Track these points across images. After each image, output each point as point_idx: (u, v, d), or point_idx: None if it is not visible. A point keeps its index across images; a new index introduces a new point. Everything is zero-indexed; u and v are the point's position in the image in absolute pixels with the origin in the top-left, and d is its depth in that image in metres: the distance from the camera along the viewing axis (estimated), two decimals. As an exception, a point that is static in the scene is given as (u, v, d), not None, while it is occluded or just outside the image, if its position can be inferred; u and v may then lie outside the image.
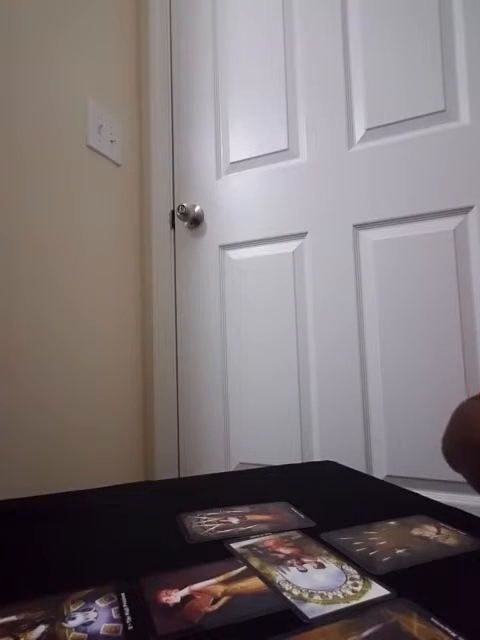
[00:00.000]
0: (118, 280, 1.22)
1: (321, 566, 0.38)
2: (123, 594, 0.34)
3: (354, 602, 0.33)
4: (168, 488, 0.69)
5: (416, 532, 0.46)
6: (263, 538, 0.44)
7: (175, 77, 1.38)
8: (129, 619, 0.31)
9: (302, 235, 1.18)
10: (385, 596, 0.34)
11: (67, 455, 1.01)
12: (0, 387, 0.88)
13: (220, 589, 0.35)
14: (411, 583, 0.36)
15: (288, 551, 0.41)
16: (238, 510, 0.53)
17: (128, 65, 1.31)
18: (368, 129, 1.12)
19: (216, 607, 0.32)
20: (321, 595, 0.34)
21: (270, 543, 0.43)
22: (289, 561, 0.39)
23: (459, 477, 0.96)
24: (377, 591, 0.34)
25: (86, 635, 0.29)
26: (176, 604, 0.33)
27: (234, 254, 1.27)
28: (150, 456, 1.26)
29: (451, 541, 0.43)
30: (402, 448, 1.04)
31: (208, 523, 0.49)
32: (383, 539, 0.44)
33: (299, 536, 0.45)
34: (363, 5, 1.13)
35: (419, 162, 1.06)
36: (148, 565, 0.39)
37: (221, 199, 1.29)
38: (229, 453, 1.23)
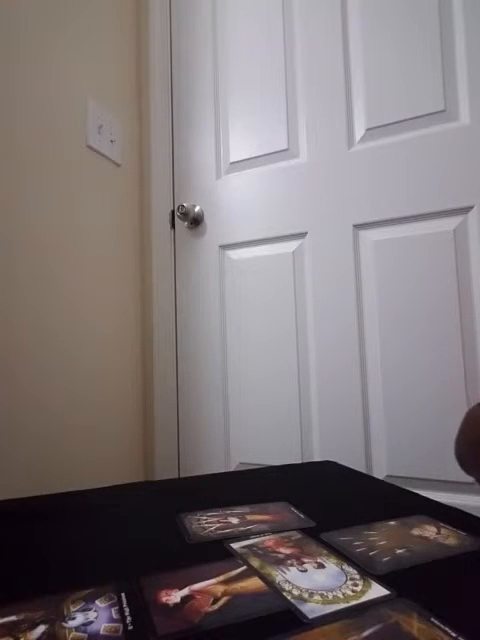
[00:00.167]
0: (118, 280, 1.22)
1: (321, 566, 0.38)
2: (123, 594, 0.34)
3: (354, 602, 0.33)
4: (168, 488, 0.69)
5: (416, 532, 0.46)
6: (263, 538, 0.44)
7: (175, 77, 1.38)
8: (129, 619, 0.31)
9: (302, 235, 1.18)
10: (385, 596, 0.34)
11: (67, 455, 1.01)
12: (0, 387, 0.88)
13: (220, 589, 0.35)
14: (411, 583, 0.36)
15: (288, 551, 0.41)
16: (238, 510, 0.53)
17: (128, 65, 1.31)
18: (368, 129, 1.12)
19: (216, 607, 0.32)
20: (321, 595, 0.34)
21: (270, 543, 0.43)
22: (289, 561, 0.39)
23: (459, 477, 0.96)
24: (377, 591, 0.34)
25: (86, 635, 0.29)
26: (176, 604, 0.33)
27: (234, 254, 1.27)
28: (150, 456, 1.26)
29: (451, 541, 0.43)
30: (402, 448, 1.04)
31: (208, 523, 0.49)
32: (383, 539, 0.44)
33: (299, 536, 0.45)
34: (363, 5, 1.13)
35: (419, 162, 1.06)
36: (148, 565, 0.39)
37: (221, 199, 1.29)
38: (229, 453, 1.23)
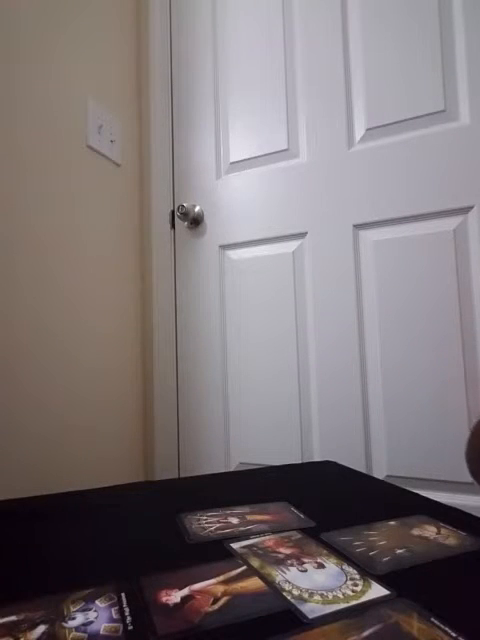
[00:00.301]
0: (118, 280, 1.22)
1: (321, 566, 0.38)
2: (123, 594, 0.34)
3: (354, 602, 0.33)
4: (168, 488, 0.69)
5: (416, 532, 0.46)
6: (263, 538, 0.44)
7: (175, 77, 1.38)
8: (129, 619, 0.31)
9: (302, 235, 1.18)
10: (385, 596, 0.34)
11: (67, 455, 1.01)
12: (0, 387, 0.88)
13: (220, 589, 0.35)
14: (411, 583, 0.36)
15: (288, 551, 0.41)
16: (238, 510, 0.53)
17: (128, 65, 1.31)
18: (368, 129, 1.12)
19: (216, 607, 0.32)
20: (321, 595, 0.34)
21: (270, 543, 0.43)
22: (289, 561, 0.39)
23: (459, 477, 0.96)
24: (377, 591, 0.34)
25: (86, 635, 0.29)
26: (176, 604, 0.33)
27: (234, 254, 1.27)
28: (150, 456, 1.26)
29: (451, 541, 0.43)
30: (402, 448, 1.04)
31: (208, 523, 0.49)
32: (383, 539, 0.44)
33: (299, 536, 0.45)
34: (363, 5, 1.13)
35: (419, 162, 1.06)
36: (148, 565, 0.39)
37: (221, 199, 1.29)
38: (229, 453, 1.23)
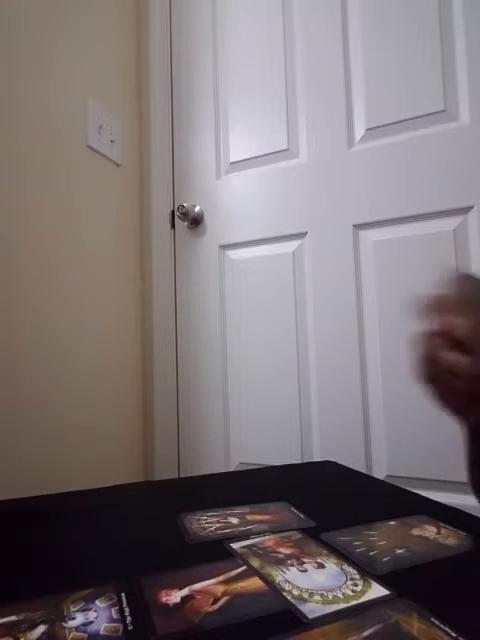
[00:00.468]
0: (118, 280, 1.22)
1: (321, 566, 0.38)
2: (123, 594, 0.34)
3: (354, 602, 0.33)
4: (168, 488, 0.69)
5: (416, 532, 0.46)
6: (263, 538, 0.44)
7: (175, 77, 1.38)
8: (129, 619, 0.31)
9: (302, 235, 1.18)
10: (385, 596, 0.34)
11: (67, 455, 1.01)
12: (2, 386, 0.88)
13: (220, 589, 0.35)
14: (411, 583, 0.36)
15: (288, 551, 0.41)
16: (238, 510, 0.53)
17: (128, 65, 1.31)
18: (368, 129, 1.12)
19: (216, 607, 0.32)
20: (321, 595, 0.34)
21: (270, 543, 0.43)
22: (289, 561, 0.39)
23: (459, 477, 0.96)
24: (377, 591, 0.34)
25: (86, 635, 0.29)
26: (176, 604, 0.33)
27: (234, 254, 1.27)
28: (150, 456, 1.26)
29: (451, 541, 0.43)
30: (402, 448, 1.04)
31: (208, 523, 0.49)
32: (383, 539, 0.44)
33: (299, 536, 0.45)
34: (363, 5, 1.13)
35: (419, 162, 1.06)
36: (148, 565, 0.39)
37: (221, 199, 1.29)
38: (229, 453, 1.23)
